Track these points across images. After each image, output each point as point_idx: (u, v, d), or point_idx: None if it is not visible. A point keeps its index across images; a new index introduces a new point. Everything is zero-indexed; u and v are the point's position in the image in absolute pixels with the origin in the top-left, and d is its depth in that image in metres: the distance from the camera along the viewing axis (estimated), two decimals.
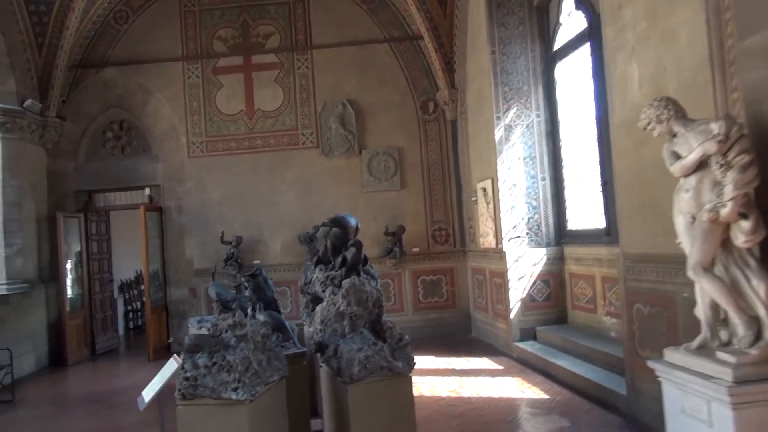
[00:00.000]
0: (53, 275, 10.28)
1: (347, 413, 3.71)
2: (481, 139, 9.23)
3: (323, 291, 5.18)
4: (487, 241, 9.15)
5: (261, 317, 4.66)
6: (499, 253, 8.72)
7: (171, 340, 3.44)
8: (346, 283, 3.95)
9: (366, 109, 10.67)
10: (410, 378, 3.91)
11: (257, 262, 10.51)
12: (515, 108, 8.58)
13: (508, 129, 8.59)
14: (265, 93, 10.74)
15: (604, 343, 7.01)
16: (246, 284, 5.30)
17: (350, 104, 10.61)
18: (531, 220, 8.57)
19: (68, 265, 10.50)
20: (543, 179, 8.56)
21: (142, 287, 15.32)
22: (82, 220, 10.87)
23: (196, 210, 10.69)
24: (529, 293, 8.42)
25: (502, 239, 8.62)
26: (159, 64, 10.73)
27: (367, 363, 3.71)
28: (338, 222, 5.17)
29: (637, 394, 5.35)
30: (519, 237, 8.57)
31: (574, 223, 8.28)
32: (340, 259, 4.34)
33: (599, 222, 7.49)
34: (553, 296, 8.42)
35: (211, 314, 8.99)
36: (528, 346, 8.10)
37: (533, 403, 6.21)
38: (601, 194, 7.35)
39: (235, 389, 3.42)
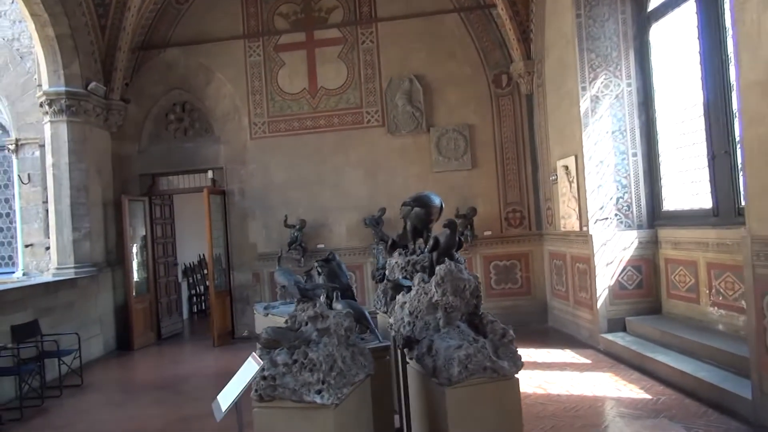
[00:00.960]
0: (119, 259, 10.23)
1: (443, 419, 3.20)
2: (562, 113, 8.47)
3: (404, 277, 4.70)
4: (570, 223, 8.42)
5: (339, 306, 4.20)
6: (583, 237, 7.99)
7: (246, 333, 3.05)
8: (440, 269, 3.41)
9: (434, 84, 10.04)
10: (517, 380, 3.35)
11: (321, 246, 10.18)
12: (603, 77, 7.78)
13: (595, 100, 7.80)
14: (329, 70, 10.28)
15: (711, 337, 6.24)
16: (319, 270, 4.84)
17: (417, 80, 10.00)
18: (620, 200, 7.79)
19: (134, 249, 10.44)
20: (634, 155, 7.75)
21: (206, 271, 15.40)
22: (146, 203, 10.78)
23: (259, 193, 10.40)
24: (618, 280, 7.67)
25: (587, 221, 7.88)
26: (220, 43, 10.43)
27: (469, 363, 3.17)
28: (421, 201, 4.63)
29: (766, 398, 4.61)
30: (607, 219, 7.81)
31: (670, 203, 7.45)
32: (431, 242, 3.80)
33: (704, 201, 6.67)
34: (646, 284, 7.64)
35: (276, 300, 8.68)
36: (618, 339, 7.37)
37: (634, 404, 5.54)
38: (707, 169, 6.52)
39: (319, 392, 2.95)
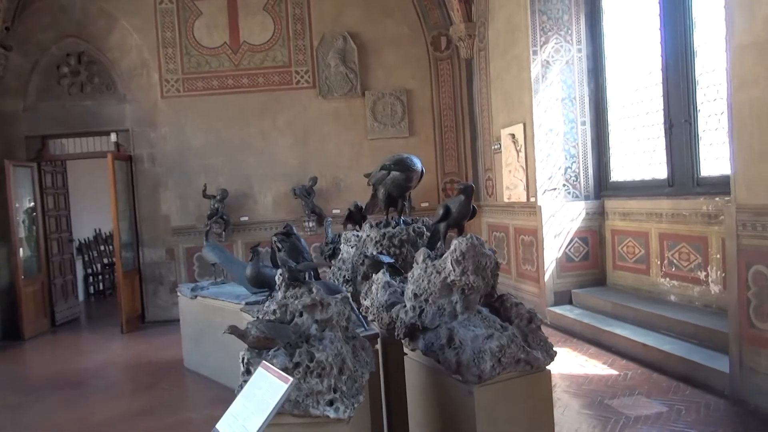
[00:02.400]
0: (3, 234, 8.73)
1: (468, 422, 2.65)
2: (510, 78, 8.10)
3: (380, 252, 4.07)
4: (516, 194, 8.13)
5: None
6: (530, 208, 7.73)
7: (227, 331, 2.36)
8: (460, 243, 2.82)
9: (370, 44, 9.34)
10: (549, 372, 2.87)
11: (245, 218, 9.30)
12: (554, 41, 7.46)
13: (546, 65, 7.48)
14: (253, 23, 9.24)
15: (666, 308, 6.18)
16: (279, 245, 4.10)
17: (352, 38, 9.25)
18: (569, 170, 7.58)
19: (20, 223, 8.96)
20: (583, 123, 7.54)
21: (102, 248, 13.87)
22: (35, 170, 9.28)
23: (173, 159, 9.24)
24: (565, 252, 7.51)
25: (535, 192, 7.61)
26: None
27: (502, 356, 2.64)
28: (402, 164, 4.01)
29: (747, 372, 4.50)
30: (555, 189, 7.58)
31: (618, 173, 7.34)
32: (440, 210, 3.19)
33: (658, 171, 6.57)
34: (592, 256, 7.54)
35: (204, 280, 7.76)
36: (566, 312, 7.22)
37: (605, 381, 5.32)
38: (663, 139, 6.40)
39: (331, 402, 2.29)
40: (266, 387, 1.98)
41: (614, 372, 5.55)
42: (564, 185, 7.59)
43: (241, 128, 9.26)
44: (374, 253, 4.07)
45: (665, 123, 6.34)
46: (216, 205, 9.03)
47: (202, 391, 5.87)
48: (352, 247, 5.27)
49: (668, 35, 6.20)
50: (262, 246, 5.32)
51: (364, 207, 4.92)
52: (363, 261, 4.07)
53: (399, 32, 9.36)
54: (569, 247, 7.51)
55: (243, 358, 2.41)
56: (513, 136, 8.03)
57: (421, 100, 9.44)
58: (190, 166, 9.22)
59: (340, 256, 5.29)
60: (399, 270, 4.01)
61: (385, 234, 4.17)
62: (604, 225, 7.48)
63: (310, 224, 9.16)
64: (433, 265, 2.98)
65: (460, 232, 3.21)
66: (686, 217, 6.10)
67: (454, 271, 2.83)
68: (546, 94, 7.49)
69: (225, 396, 5.62)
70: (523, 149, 7.83)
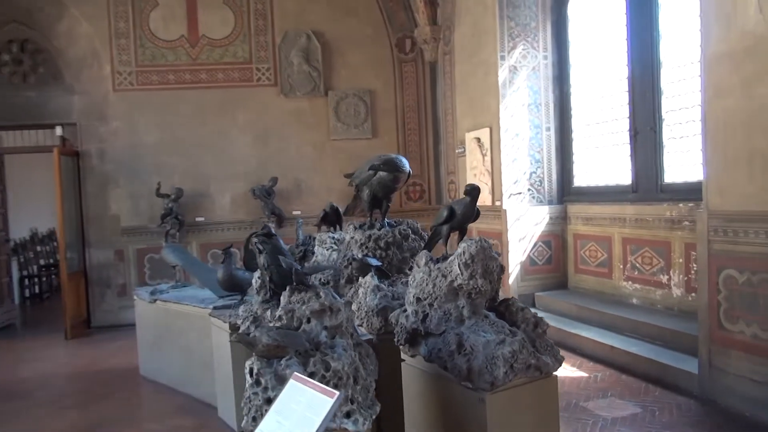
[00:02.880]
0: None
1: (477, 430, 2.57)
2: (476, 83, 8.13)
3: (365, 255, 3.95)
4: (480, 198, 8.12)
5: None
6: (495, 211, 7.78)
7: (234, 338, 2.18)
8: (469, 246, 2.74)
9: (334, 43, 9.18)
10: (556, 377, 2.82)
11: (201, 219, 8.95)
12: (521, 47, 7.54)
13: (513, 71, 7.55)
14: (213, 16, 8.90)
15: (629, 311, 6.33)
16: (259, 247, 3.90)
17: (315, 36, 9.06)
18: (533, 174, 7.68)
19: None
20: (548, 129, 7.66)
21: (39, 248, 13.07)
22: None
23: (124, 156, 8.78)
24: (529, 256, 7.59)
25: (500, 196, 7.66)
26: None
27: (514, 362, 2.57)
28: (391, 164, 3.90)
29: (716, 373, 4.64)
30: (520, 193, 7.66)
31: (581, 179, 7.49)
32: (444, 211, 3.10)
33: (622, 178, 6.73)
34: (555, 259, 7.65)
35: (160, 282, 7.38)
36: None
37: (576, 384, 5.38)
38: (628, 146, 6.56)
39: (348, 414, 2.15)
40: (306, 402, 1.82)
41: (584, 374, 5.62)
42: (529, 190, 7.68)
43: (199, 125, 8.91)
44: (361, 255, 3.94)
45: (630, 130, 6.51)
46: (170, 205, 8.64)
47: (164, 401, 5.55)
48: (327, 250, 5.14)
49: (635, 46, 6.37)
50: (234, 247, 5.06)
51: (344, 208, 4.78)
52: (349, 264, 3.94)
53: (363, 32, 9.25)
54: (533, 250, 7.60)
55: (251, 369, 2.23)
56: (479, 140, 8.06)
57: (385, 102, 9.36)
58: (142, 163, 8.79)
59: (314, 258, 5.14)
60: (387, 273, 3.90)
61: (370, 236, 4.06)
62: (566, 229, 7.61)
63: (271, 225, 8.88)
64: (438, 268, 2.88)
65: (463, 234, 3.13)
66: (650, 222, 6.27)
67: (462, 274, 2.75)
68: (513, 99, 7.56)
69: (190, 405, 5.36)
70: (489, 153, 7.88)
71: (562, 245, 7.65)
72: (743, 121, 4.32)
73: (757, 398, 4.32)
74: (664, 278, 6.15)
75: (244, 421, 2.15)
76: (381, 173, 3.98)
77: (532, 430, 2.72)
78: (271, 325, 2.47)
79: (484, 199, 8.03)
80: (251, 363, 2.23)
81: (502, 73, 7.51)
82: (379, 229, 4.11)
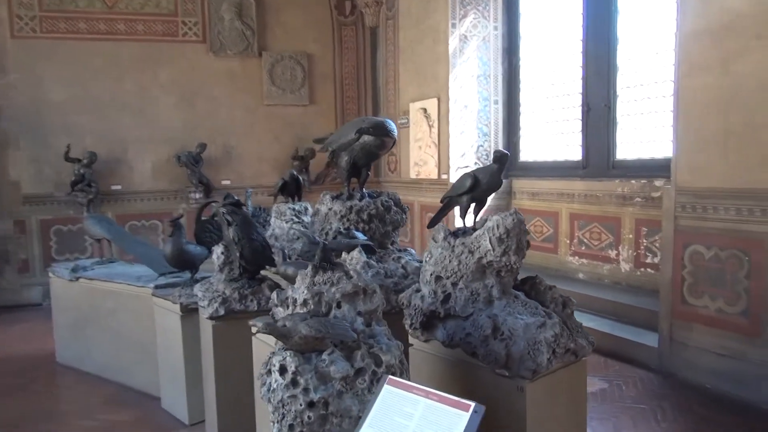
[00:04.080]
0: None
1: (518, 422, 2.33)
2: (423, 51, 7.82)
3: (346, 229, 3.56)
4: (426, 170, 7.94)
5: (290, 271, 2.94)
6: (442, 185, 7.56)
7: (262, 329, 1.77)
8: (504, 219, 2.45)
9: (269, 0, 8.48)
10: (585, 361, 2.63)
11: (118, 187, 8.08)
12: (472, 16, 7.31)
13: (463, 40, 7.32)
14: None
15: (577, 286, 6.37)
16: (228, 218, 3.41)
17: None
18: (480, 148, 7.55)
19: None
20: (496, 102, 7.53)
21: None
22: None
23: (25, 114, 7.66)
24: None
25: (447, 168, 7.48)
26: None
27: (556, 346, 2.34)
28: (380, 128, 3.52)
29: (677, 346, 4.74)
30: (467, 167, 7.50)
31: (528, 154, 7.45)
32: (468, 180, 2.77)
33: (572, 153, 6.73)
34: None
35: (84, 257, 6.56)
36: None
37: None
38: (579, 122, 6.56)
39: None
40: (422, 415, 1.44)
41: None
42: (476, 163, 7.54)
43: (115, 82, 7.95)
44: (345, 229, 3.56)
45: (583, 106, 6.49)
46: (81, 171, 7.69)
47: (91, 392, 4.86)
48: (287, 222, 4.70)
49: (591, 21, 6.32)
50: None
51: (309, 177, 4.35)
52: (334, 238, 3.54)
53: None
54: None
55: (282, 366, 1.82)
56: (425, 110, 7.79)
57: (323, 67, 8.83)
58: (48, 123, 7.73)
59: (270, 231, 4.68)
60: (373, 248, 3.55)
61: (351, 207, 3.67)
62: (511, 204, 7.55)
63: (197, 196, 8.20)
64: (463, 243, 2.57)
65: (481, 206, 2.84)
66: (600, 198, 6.32)
67: (494, 250, 2.46)
68: (462, 69, 7.34)
69: (124, 396, 4.73)
70: (436, 125, 7.64)
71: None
72: (719, 99, 4.33)
73: (719, 370, 4.43)
74: (612, 253, 6.24)
75: (275, 430, 1.75)
76: (366, 138, 3.58)
77: (566, 418, 2.52)
78: (298, 311, 2.06)
79: (429, 172, 7.85)
80: (281, 359, 1.82)
81: (453, 42, 7.26)
82: (360, 200, 3.73)
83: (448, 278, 2.58)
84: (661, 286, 4.93)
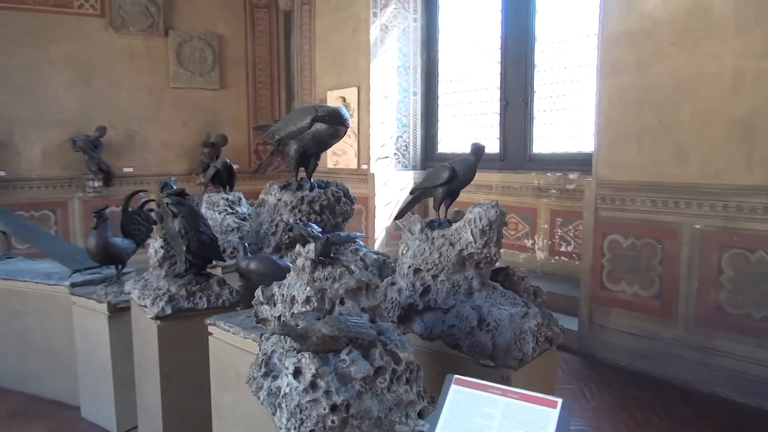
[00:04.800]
0: None
1: None
2: (342, 39, 7.71)
3: (298, 221, 3.42)
4: (344, 160, 7.86)
5: (253, 266, 2.79)
6: (361, 175, 7.56)
7: (277, 329, 1.58)
8: (486, 211, 2.47)
9: None
10: (554, 348, 2.74)
11: (2, 173, 7.23)
12: (393, 6, 7.32)
13: (384, 30, 7.31)
14: None
15: None
16: (173, 209, 3.15)
17: None
18: (400, 139, 7.61)
19: None
20: (415, 94, 7.61)
21: None
22: None
23: None
24: (394, 221, 7.54)
25: (368, 159, 7.46)
26: None
27: (539, 335, 2.41)
28: (335, 116, 3.40)
29: (596, 329, 5.08)
30: (387, 157, 7.54)
31: (446, 145, 7.61)
32: (445, 172, 2.74)
33: (490, 146, 6.94)
34: None
35: None
36: None
37: None
38: (497, 116, 6.80)
39: (421, 413, 1.78)
40: (503, 415, 1.38)
41: None
42: (395, 154, 7.59)
43: None
44: (293, 220, 3.42)
45: (501, 101, 6.73)
46: None
47: None
48: (220, 213, 4.47)
49: (510, 18, 6.54)
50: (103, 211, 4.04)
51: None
52: (288, 230, 3.40)
53: None
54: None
55: (297, 368, 1.69)
56: (344, 99, 7.70)
57: (235, 50, 8.43)
58: None
59: None
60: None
61: (303, 198, 3.54)
62: None
63: (95, 184, 7.54)
64: (443, 235, 2.57)
65: (453, 199, 2.84)
66: (517, 189, 6.60)
67: (475, 242, 2.48)
68: (383, 59, 7.34)
69: (34, 407, 4.25)
70: (356, 114, 7.57)
71: (425, 211, 7.73)
72: (637, 99, 4.67)
73: (633, 349, 4.81)
74: (528, 242, 6.55)
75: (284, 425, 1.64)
76: (318, 126, 3.46)
77: None
78: (299, 309, 1.93)
79: (348, 162, 7.79)
80: (297, 361, 1.70)
81: (374, 32, 7.23)
82: (311, 190, 3.61)
83: (428, 271, 2.57)
84: (581, 273, 5.25)
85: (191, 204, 3.27)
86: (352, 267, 2.00)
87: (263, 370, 1.95)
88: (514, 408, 1.39)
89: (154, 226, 4.06)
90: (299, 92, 8.71)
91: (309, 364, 1.66)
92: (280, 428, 1.72)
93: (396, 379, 1.75)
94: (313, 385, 1.65)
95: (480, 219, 2.48)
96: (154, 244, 3.42)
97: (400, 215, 3.21)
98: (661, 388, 4.46)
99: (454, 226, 2.58)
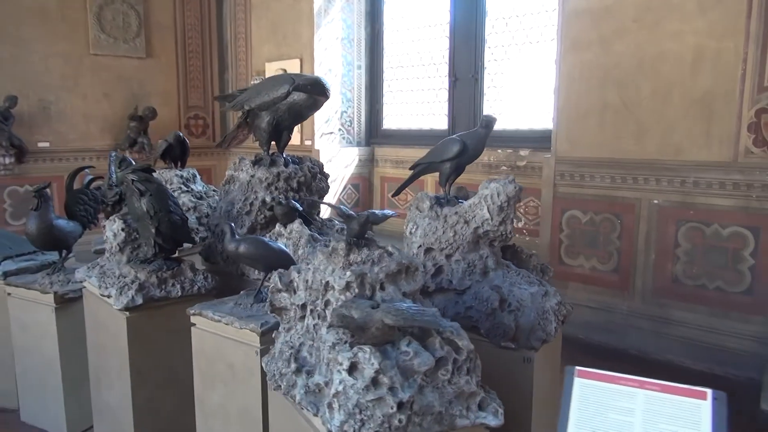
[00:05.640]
0: None
1: (523, 396, 2.31)
2: (282, 7, 7.31)
3: (279, 197, 3.17)
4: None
5: (243, 248, 2.54)
6: (305, 151, 7.23)
7: (334, 321, 1.34)
8: (504, 186, 2.35)
9: None
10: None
11: None
12: None
13: (328, 0, 6.99)
14: None
15: None
16: (140, 188, 2.80)
17: None
18: (344, 114, 7.36)
19: None
20: (359, 68, 7.37)
21: None
22: None
23: None
24: (339, 199, 7.34)
25: (312, 135, 7.17)
26: None
27: (559, 314, 2.34)
28: (318, 86, 3.17)
29: None
30: (332, 133, 7.29)
31: (392, 121, 7.46)
32: (455, 146, 2.58)
33: (437, 122, 6.89)
34: (363, 202, 7.55)
35: None
36: None
37: None
38: (446, 92, 6.72)
39: (481, 405, 1.65)
40: (645, 409, 1.23)
41: None
42: (339, 130, 7.35)
43: None
44: (270, 198, 3.17)
45: (450, 77, 6.64)
46: None
47: None
48: (174, 192, 4.09)
49: None
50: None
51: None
52: (270, 208, 3.13)
53: None
54: (342, 193, 7.36)
55: (354, 363, 1.49)
56: (285, 72, 7.32)
57: (162, 16, 7.78)
58: None
59: None
60: (309, 219, 3.23)
61: (279, 174, 3.28)
62: (373, 172, 7.54)
63: (7, 161, 6.75)
64: (456, 212, 2.43)
65: (458, 175, 2.70)
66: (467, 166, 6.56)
67: (491, 219, 2.36)
68: (327, 31, 7.03)
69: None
70: None
71: (369, 188, 7.58)
72: (598, 76, 4.72)
73: (591, 322, 4.93)
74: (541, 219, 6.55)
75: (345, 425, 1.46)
76: (296, 96, 3.20)
77: (558, 383, 2.55)
78: (336, 296, 1.71)
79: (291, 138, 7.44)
80: (353, 356, 1.50)
81: (317, 0, 6.89)
82: (286, 166, 3.35)
83: (441, 250, 2.42)
84: (539, 248, 5.30)
85: (160, 181, 2.93)
86: (390, 248, 1.81)
87: (293, 365, 1.74)
88: (657, 401, 1.28)
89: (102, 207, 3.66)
90: (234, 63, 8.22)
91: (370, 359, 1.48)
92: (331, 431, 1.52)
93: (457, 370, 1.60)
94: (374, 382, 1.47)
95: (498, 195, 2.36)
96: (112, 226, 3.05)
97: (397, 192, 3.04)
98: (618, 359, 4.60)
99: (467, 202, 2.45)
